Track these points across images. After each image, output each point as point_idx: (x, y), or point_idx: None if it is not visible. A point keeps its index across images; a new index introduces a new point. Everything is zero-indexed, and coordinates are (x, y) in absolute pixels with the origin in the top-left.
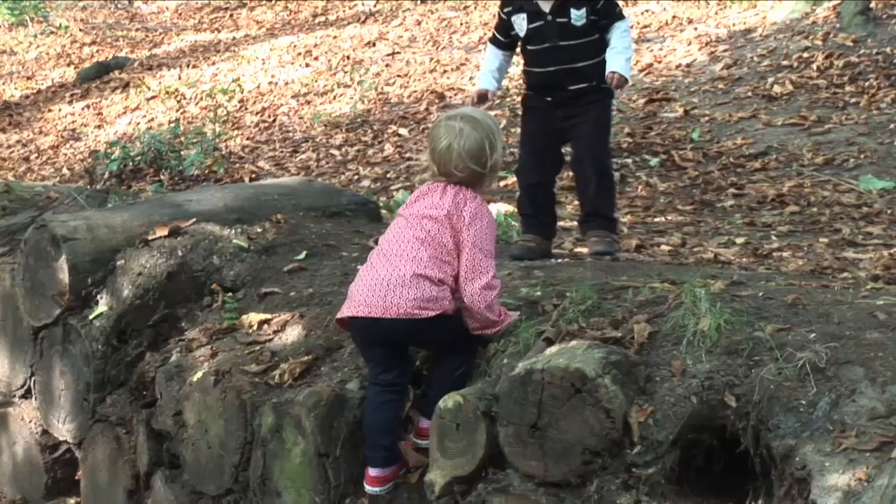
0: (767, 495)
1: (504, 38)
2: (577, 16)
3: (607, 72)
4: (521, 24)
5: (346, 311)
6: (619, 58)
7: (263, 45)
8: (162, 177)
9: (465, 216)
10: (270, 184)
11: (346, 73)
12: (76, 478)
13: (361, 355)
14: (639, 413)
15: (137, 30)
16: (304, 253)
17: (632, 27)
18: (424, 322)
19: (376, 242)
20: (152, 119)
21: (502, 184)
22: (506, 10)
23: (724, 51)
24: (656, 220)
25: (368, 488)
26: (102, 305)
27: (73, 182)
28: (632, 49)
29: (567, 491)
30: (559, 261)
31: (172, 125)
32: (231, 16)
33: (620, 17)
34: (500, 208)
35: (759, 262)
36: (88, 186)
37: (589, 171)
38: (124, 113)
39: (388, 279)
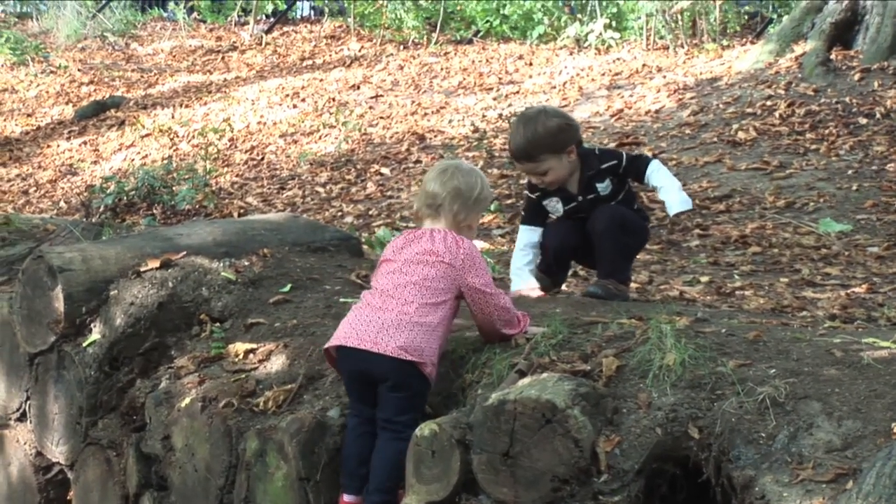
0: None
1: (538, 217)
2: (603, 187)
3: (671, 215)
4: (555, 206)
5: (334, 341)
6: (672, 195)
7: (253, 87)
8: (154, 211)
9: (464, 262)
10: (257, 219)
11: (331, 114)
12: (68, 498)
13: (345, 386)
14: (606, 443)
15: (133, 70)
16: (288, 286)
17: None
18: (403, 364)
19: (358, 277)
20: (146, 156)
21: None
22: (535, 194)
23: (692, 98)
24: None
25: None
26: (95, 333)
27: (70, 215)
28: (675, 178)
29: None
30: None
31: (165, 162)
32: (223, 58)
33: (647, 161)
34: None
35: (723, 300)
36: (84, 219)
37: (604, 223)
38: (119, 149)
39: (383, 319)
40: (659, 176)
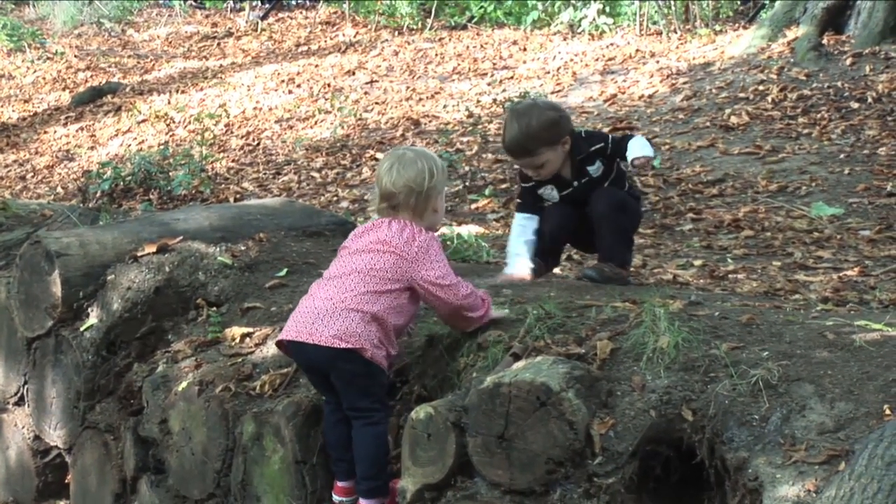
0: None
1: (534, 204)
2: (594, 169)
3: (629, 161)
4: (551, 193)
5: (280, 335)
6: (633, 149)
7: (249, 73)
8: (151, 196)
9: (416, 254)
10: (254, 204)
11: (326, 99)
12: (66, 481)
13: (307, 378)
14: (600, 425)
15: (129, 56)
16: (284, 270)
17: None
18: (340, 352)
19: None
20: (143, 141)
21: (473, 206)
22: (529, 184)
23: (685, 83)
24: None
25: (336, 497)
26: (93, 318)
27: (67, 200)
28: (643, 139)
29: (531, 499)
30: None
31: (161, 147)
32: (218, 44)
33: (629, 139)
34: (470, 230)
35: (716, 284)
36: (81, 205)
37: (604, 206)
38: (116, 135)
39: (318, 308)
40: (631, 145)
